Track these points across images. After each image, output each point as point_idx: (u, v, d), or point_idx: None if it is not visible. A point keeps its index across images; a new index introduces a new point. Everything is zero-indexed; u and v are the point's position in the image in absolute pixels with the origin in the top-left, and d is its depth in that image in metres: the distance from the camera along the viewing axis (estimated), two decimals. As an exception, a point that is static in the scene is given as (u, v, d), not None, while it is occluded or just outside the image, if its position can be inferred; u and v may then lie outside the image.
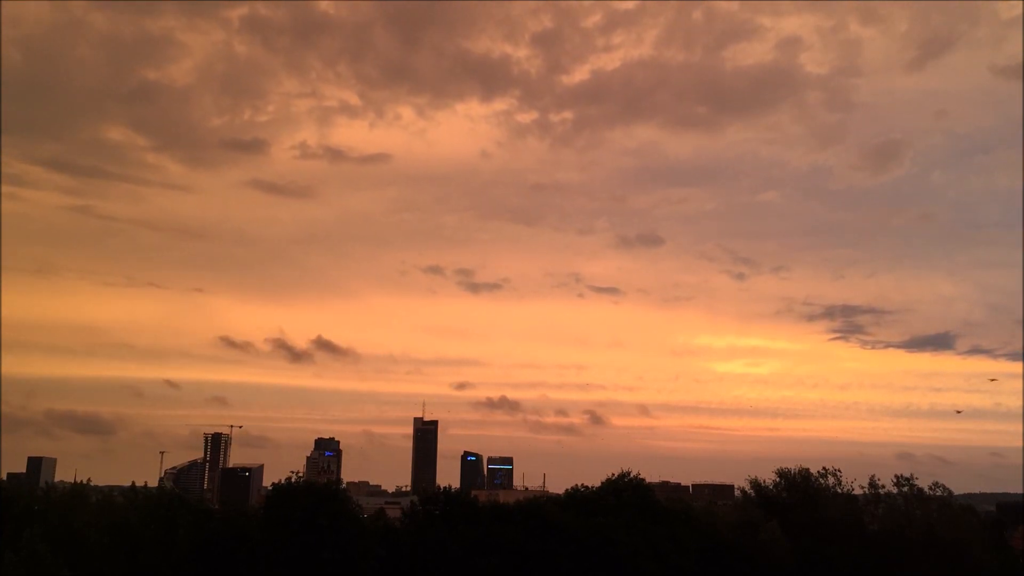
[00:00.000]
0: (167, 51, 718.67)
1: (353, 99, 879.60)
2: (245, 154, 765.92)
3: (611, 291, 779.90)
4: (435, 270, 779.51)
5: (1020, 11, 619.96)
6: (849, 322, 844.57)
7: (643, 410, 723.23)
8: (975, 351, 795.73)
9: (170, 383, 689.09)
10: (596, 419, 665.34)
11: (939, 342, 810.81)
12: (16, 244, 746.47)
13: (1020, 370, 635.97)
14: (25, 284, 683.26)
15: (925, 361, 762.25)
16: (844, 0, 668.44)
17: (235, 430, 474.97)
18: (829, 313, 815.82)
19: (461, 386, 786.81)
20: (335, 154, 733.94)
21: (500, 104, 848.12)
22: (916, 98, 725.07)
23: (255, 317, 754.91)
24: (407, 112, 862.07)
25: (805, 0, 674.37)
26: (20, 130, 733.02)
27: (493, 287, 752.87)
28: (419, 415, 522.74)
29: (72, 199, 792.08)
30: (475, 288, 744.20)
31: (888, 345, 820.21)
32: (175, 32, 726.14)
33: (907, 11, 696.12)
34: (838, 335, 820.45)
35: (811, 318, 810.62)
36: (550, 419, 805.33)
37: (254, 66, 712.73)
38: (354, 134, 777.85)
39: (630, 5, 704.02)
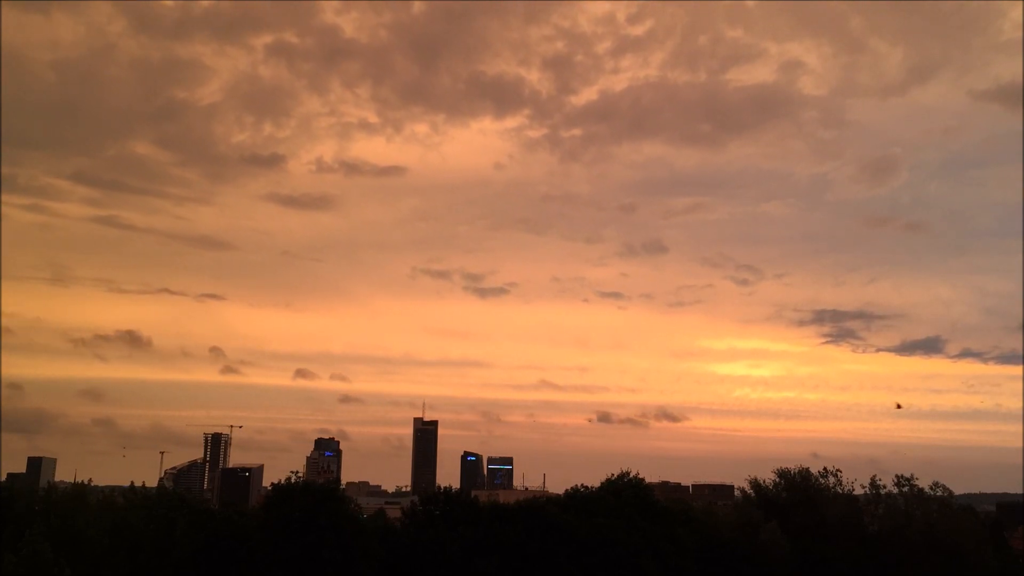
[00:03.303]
0: (195, 73, 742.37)
1: (372, 117, 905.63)
2: (264, 168, 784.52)
3: (616, 296, 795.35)
4: (443, 275, 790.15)
5: (1008, 36, 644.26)
6: (841, 327, 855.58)
7: (644, 411, 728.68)
8: (966, 354, 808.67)
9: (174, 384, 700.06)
10: (598, 419, 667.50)
11: (929, 346, 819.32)
12: (36, 253, 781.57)
13: (1010, 372, 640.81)
14: (39, 291, 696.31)
15: (918, 364, 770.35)
16: (842, 25, 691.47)
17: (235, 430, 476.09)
18: (826, 318, 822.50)
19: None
20: (351, 167, 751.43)
21: (512, 122, 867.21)
22: (911, 116, 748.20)
23: (265, 321, 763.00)
24: (423, 128, 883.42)
25: (805, 24, 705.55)
26: (49, 146, 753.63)
27: (500, 292, 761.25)
28: (419, 415, 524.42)
29: (94, 210, 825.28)
30: (482, 293, 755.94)
31: (879, 349, 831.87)
32: (203, 57, 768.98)
33: (902, 35, 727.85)
34: (829, 339, 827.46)
35: (808, 323, 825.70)
36: (556, 419, 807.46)
37: (277, 88, 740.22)
38: (371, 148, 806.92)
39: (639, 31, 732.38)
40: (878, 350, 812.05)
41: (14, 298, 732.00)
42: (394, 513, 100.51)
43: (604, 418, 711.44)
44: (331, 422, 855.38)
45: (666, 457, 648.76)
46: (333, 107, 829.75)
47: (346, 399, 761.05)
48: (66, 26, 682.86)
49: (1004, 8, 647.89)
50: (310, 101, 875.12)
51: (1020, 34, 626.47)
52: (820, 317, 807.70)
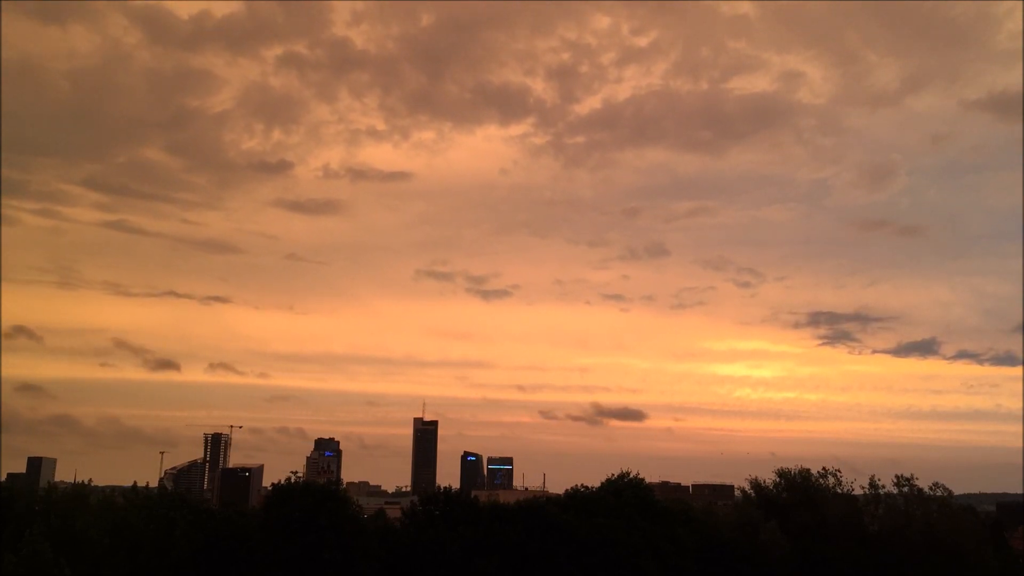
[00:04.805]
0: (207, 83, 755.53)
1: (379, 125, 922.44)
2: (273, 174, 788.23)
3: (617, 298, 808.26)
4: (447, 277, 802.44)
5: (1001, 47, 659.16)
6: (837, 329, 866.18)
7: (645, 411, 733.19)
8: (962, 356, 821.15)
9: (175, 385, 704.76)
10: (598, 420, 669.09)
11: (925, 348, 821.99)
12: (45, 257, 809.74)
13: (1007, 374, 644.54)
14: (46, 294, 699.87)
15: (914, 366, 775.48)
16: (840, 37, 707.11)
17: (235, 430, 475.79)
18: (822, 320, 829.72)
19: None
20: (358, 173, 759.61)
21: (517, 129, 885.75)
22: (908, 124, 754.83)
23: (268, 323, 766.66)
24: (429, 135, 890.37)
25: (805, 36, 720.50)
26: (61, 152, 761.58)
27: (503, 294, 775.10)
28: (419, 415, 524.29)
29: (104, 215, 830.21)
30: (485, 295, 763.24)
31: (875, 351, 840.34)
32: (215, 67, 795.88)
33: (898, 47, 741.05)
34: (825, 341, 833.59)
35: (804, 325, 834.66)
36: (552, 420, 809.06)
37: (287, 96, 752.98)
38: (378, 154, 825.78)
39: (643, 42, 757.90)
40: (874, 352, 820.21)
41: (19, 300, 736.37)
42: (394, 513, 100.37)
43: (605, 418, 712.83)
44: (330, 422, 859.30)
45: (666, 457, 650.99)
46: (342, 115, 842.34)
47: (346, 399, 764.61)
48: (82, 37, 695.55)
49: (1000, 16, 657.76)
50: (319, 109, 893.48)
51: (1013, 45, 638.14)
52: (816, 319, 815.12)
